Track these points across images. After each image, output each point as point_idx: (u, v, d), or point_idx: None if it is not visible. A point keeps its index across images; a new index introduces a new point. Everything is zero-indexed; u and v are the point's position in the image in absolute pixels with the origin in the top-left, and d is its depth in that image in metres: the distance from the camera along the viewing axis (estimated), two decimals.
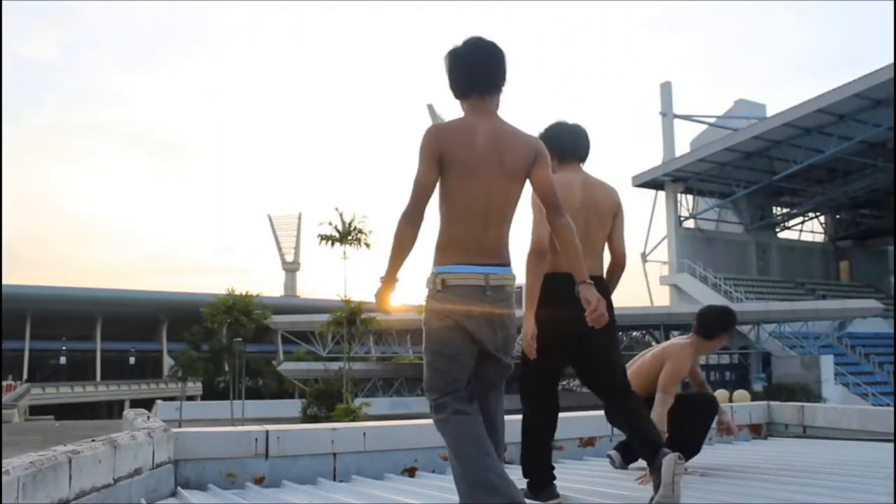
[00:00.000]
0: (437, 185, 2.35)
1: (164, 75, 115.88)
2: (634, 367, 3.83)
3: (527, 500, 2.66)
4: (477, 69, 2.42)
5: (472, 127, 2.36)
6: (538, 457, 3.17)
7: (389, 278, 2.37)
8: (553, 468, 3.20)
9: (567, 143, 3.11)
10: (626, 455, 3.89)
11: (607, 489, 3.42)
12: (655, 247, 46.05)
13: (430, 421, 2.96)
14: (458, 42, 2.45)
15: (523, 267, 2.93)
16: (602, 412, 3.74)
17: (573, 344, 3.01)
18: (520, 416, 4.60)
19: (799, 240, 52.39)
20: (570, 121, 3.24)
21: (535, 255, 2.93)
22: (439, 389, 2.38)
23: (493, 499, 2.19)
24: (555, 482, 3.14)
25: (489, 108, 2.42)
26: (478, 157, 2.33)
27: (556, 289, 2.89)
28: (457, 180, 2.33)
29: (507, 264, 2.43)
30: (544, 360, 3.03)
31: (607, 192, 3.13)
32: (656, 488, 2.73)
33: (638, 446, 3.09)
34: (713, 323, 3.88)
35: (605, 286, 3.09)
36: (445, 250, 2.38)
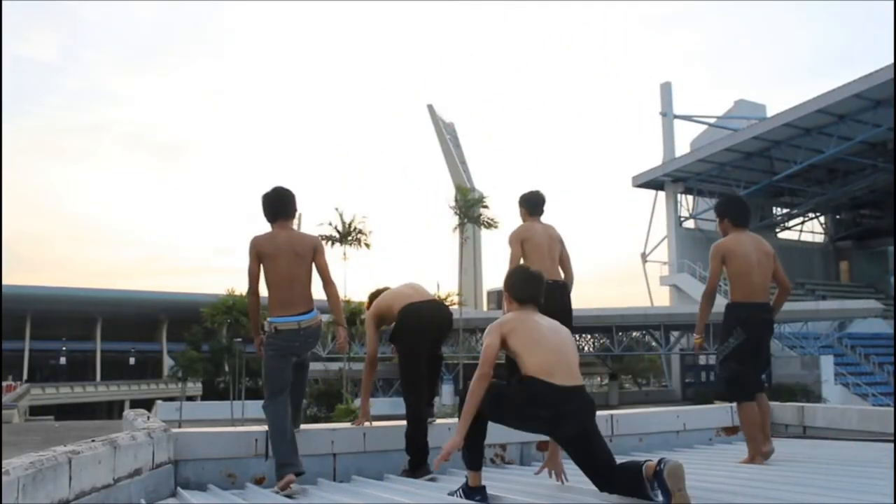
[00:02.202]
0: (262, 270, 3.92)
1: (165, 76, 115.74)
2: None
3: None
4: (282, 206, 4.05)
5: (276, 234, 3.98)
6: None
7: (256, 331, 4.04)
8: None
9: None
10: None
11: None
12: (655, 247, 46.09)
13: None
14: (268, 188, 4.10)
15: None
16: (598, 413, 4.22)
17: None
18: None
19: (799, 240, 52.37)
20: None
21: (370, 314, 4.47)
22: (274, 390, 3.84)
23: (289, 459, 3.66)
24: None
25: (288, 225, 4.05)
26: (278, 249, 3.90)
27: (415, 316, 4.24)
28: (268, 265, 3.90)
29: (312, 310, 3.91)
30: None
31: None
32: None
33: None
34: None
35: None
36: (274, 307, 3.87)
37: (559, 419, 3.10)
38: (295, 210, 4.11)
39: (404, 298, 4.26)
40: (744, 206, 4.62)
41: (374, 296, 4.62)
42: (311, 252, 3.96)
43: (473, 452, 3.23)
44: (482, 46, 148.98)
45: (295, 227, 4.15)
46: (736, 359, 4.28)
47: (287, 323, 3.80)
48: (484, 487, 3.24)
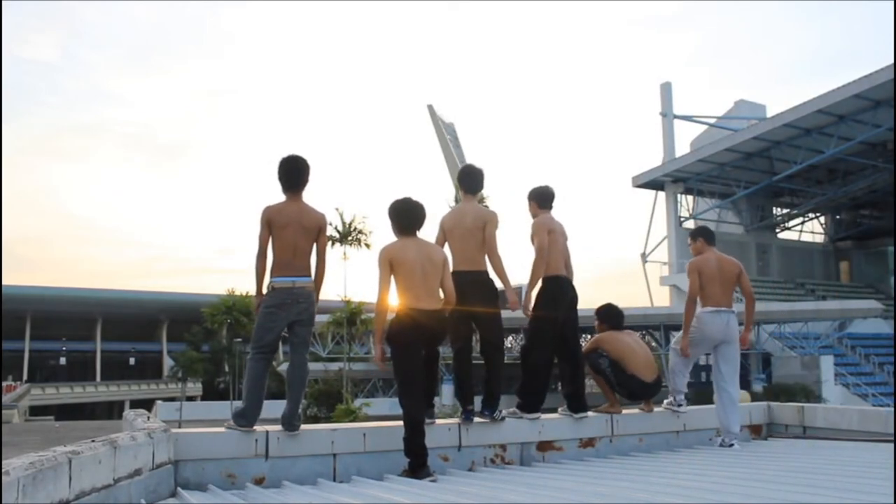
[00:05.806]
0: (270, 236, 4.26)
1: (165, 76, 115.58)
2: None
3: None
4: (295, 177, 4.35)
5: (286, 206, 4.33)
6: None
7: (259, 292, 4.31)
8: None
9: (403, 220, 4.38)
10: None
11: (607, 489, 3.42)
12: (655, 247, 46.02)
13: (429, 422, 4.36)
14: (285, 155, 4.38)
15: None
16: (596, 414, 5.11)
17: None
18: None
19: (799, 240, 52.33)
20: (417, 197, 4.46)
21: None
22: (259, 345, 4.24)
23: (246, 413, 4.12)
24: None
25: (299, 196, 4.37)
26: (287, 220, 4.25)
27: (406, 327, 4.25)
28: (276, 234, 4.24)
29: (307, 275, 4.31)
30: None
31: (437, 249, 4.49)
32: None
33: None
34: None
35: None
36: (275, 269, 4.27)
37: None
38: (307, 181, 4.38)
39: (412, 293, 4.20)
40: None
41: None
42: (317, 229, 4.35)
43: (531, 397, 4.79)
44: (482, 46, 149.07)
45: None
46: None
47: (283, 282, 4.22)
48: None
